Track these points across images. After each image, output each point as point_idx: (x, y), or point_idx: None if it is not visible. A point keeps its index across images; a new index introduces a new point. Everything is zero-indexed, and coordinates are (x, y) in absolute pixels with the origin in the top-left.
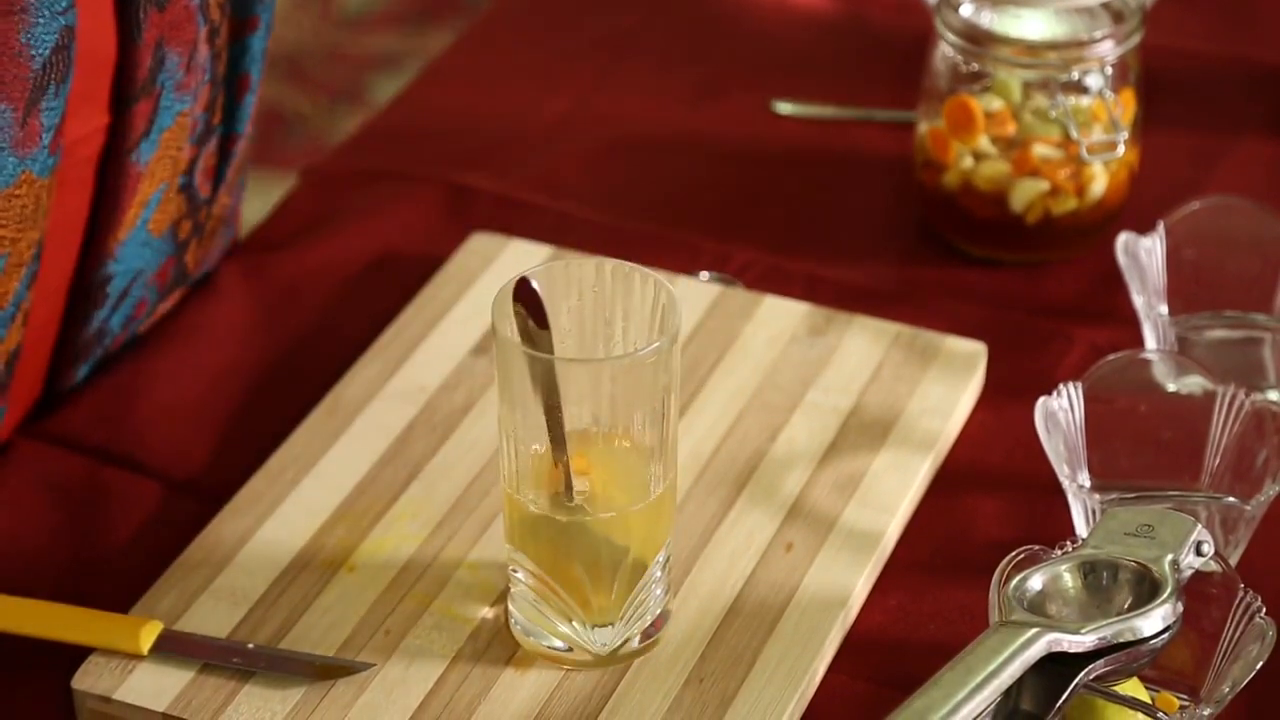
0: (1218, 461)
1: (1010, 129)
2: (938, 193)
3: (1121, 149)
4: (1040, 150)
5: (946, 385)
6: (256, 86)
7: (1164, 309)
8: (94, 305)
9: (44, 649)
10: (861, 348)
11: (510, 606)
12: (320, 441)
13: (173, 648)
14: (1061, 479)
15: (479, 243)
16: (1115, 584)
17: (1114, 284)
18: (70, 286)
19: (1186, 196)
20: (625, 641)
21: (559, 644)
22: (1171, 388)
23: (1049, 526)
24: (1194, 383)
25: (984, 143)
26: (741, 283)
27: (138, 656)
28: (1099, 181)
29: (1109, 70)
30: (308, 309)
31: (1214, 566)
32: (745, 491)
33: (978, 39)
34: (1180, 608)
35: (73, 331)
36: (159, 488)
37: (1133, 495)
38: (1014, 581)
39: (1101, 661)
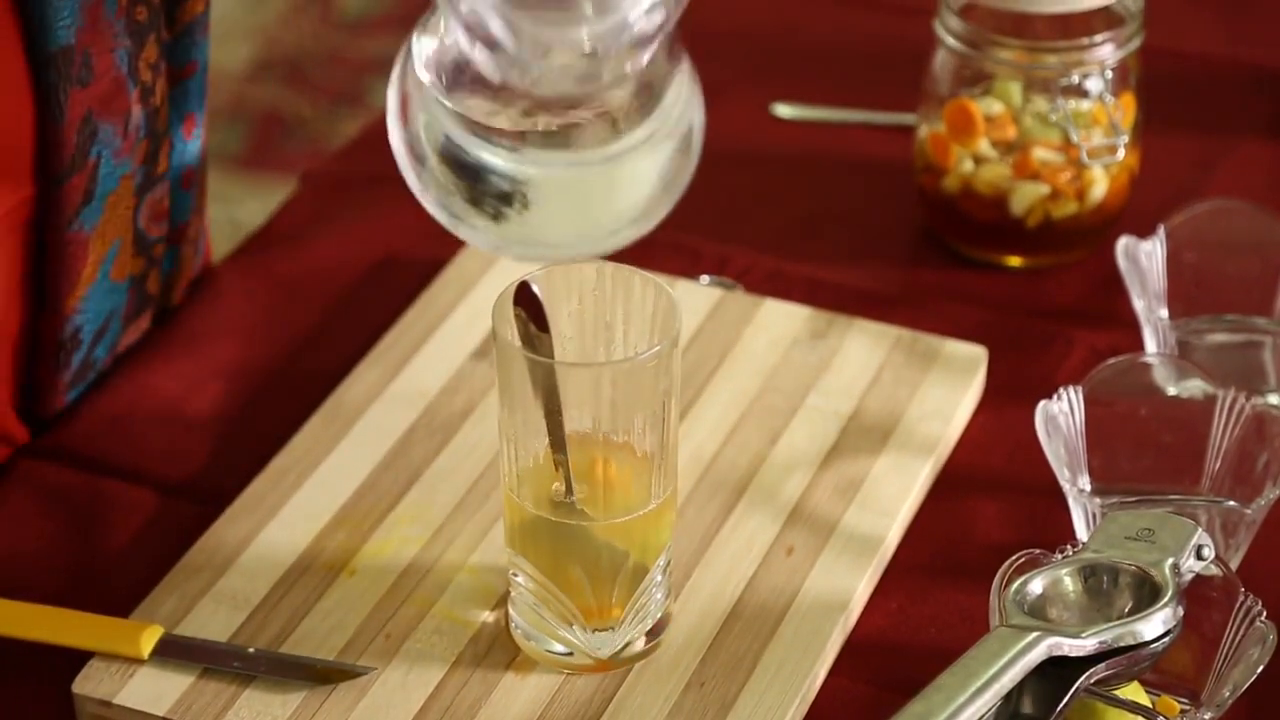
0: (1218, 465)
1: (1010, 132)
2: (938, 196)
3: (1122, 152)
4: (1040, 154)
5: (947, 389)
6: (202, 121)
7: (1164, 312)
8: (69, 351)
9: (44, 653)
10: (862, 351)
11: (511, 610)
12: (321, 445)
13: (173, 652)
14: (1062, 482)
15: None
16: (1116, 588)
17: (1114, 287)
18: (22, 345)
19: (1187, 200)
20: (626, 645)
21: (559, 648)
22: (1172, 391)
23: (1049, 530)
24: (1194, 386)
25: (984, 146)
26: (742, 286)
27: (138, 661)
28: (1099, 185)
29: (1109, 74)
30: (308, 312)
31: (1214, 570)
32: (746, 495)
33: (978, 43)
34: (1181, 611)
35: (54, 378)
36: (159, 493)
37: (1133, 499)
38: (1014, 585)
39: (1102, 665)
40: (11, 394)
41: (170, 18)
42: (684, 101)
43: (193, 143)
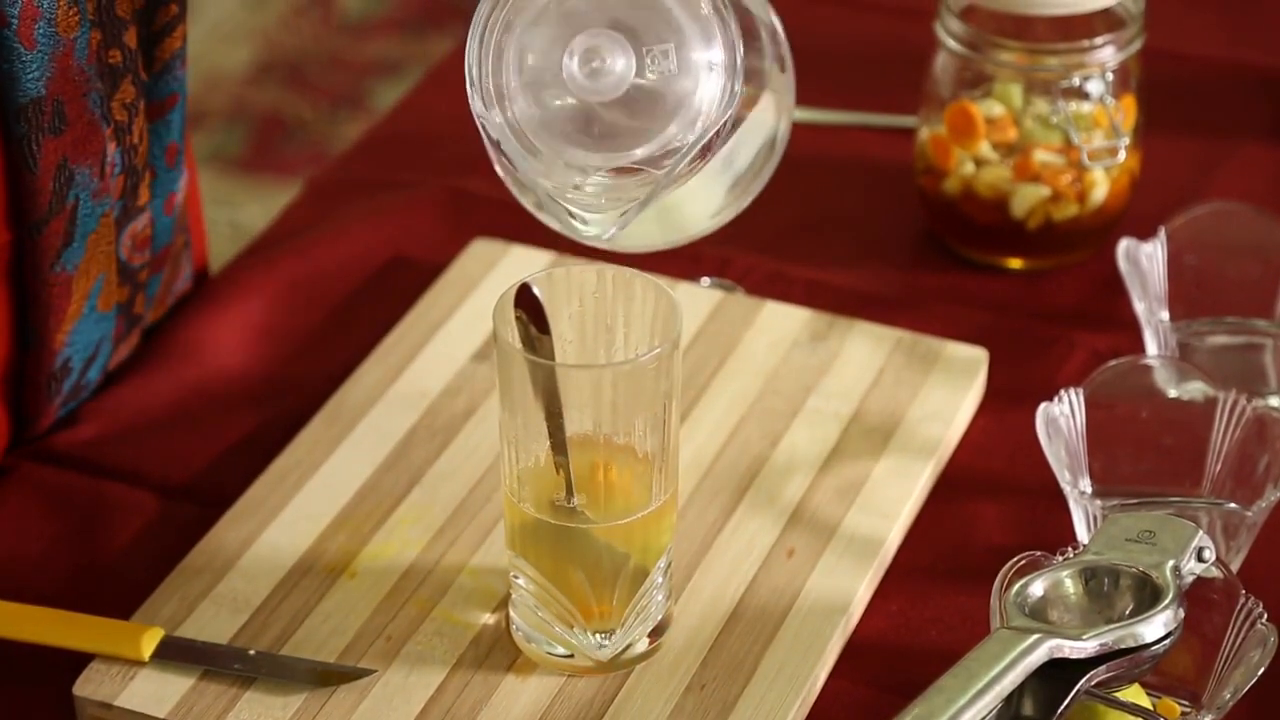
0: (1219, 467)
1: (1011, 135)
2: (939, 198)
3: (1123, 155)
4: (1041, 156)
5: (948, 391)
6: (183, 149)
7: (1165, 314)
8: (60, 380)
9: (45, 656)
10: (863, 353)
11: (511, 612)
12: (322, 447)
13: (174, 654)
14: (1063, 485)
15: (480, 248)
16: (1117, 590)
17: (1115, 290)
18: (12, 379)
19: (1188, 202)
20: (627, 648)
21: (560, 650)
22: (1173, 393)
23: (1050, 532)
24: (1195, 388)
25: (985, 148)
26: (742, 288)
27: (139, 663)
28: (1100, 187)
29: (1110, 76)
30: (310, 315)
31: (1215, 572)
32: (746, 497)
33: (978, 45)
34: (1182, 614)
35: (45, 406)
36: (160, 495)
37: (1134, 501)
38: (1015, 587)
39: (1103, 667)
40: (3, 425)
41: (149, 58)
42: (771, 110)
43: (175, 170)
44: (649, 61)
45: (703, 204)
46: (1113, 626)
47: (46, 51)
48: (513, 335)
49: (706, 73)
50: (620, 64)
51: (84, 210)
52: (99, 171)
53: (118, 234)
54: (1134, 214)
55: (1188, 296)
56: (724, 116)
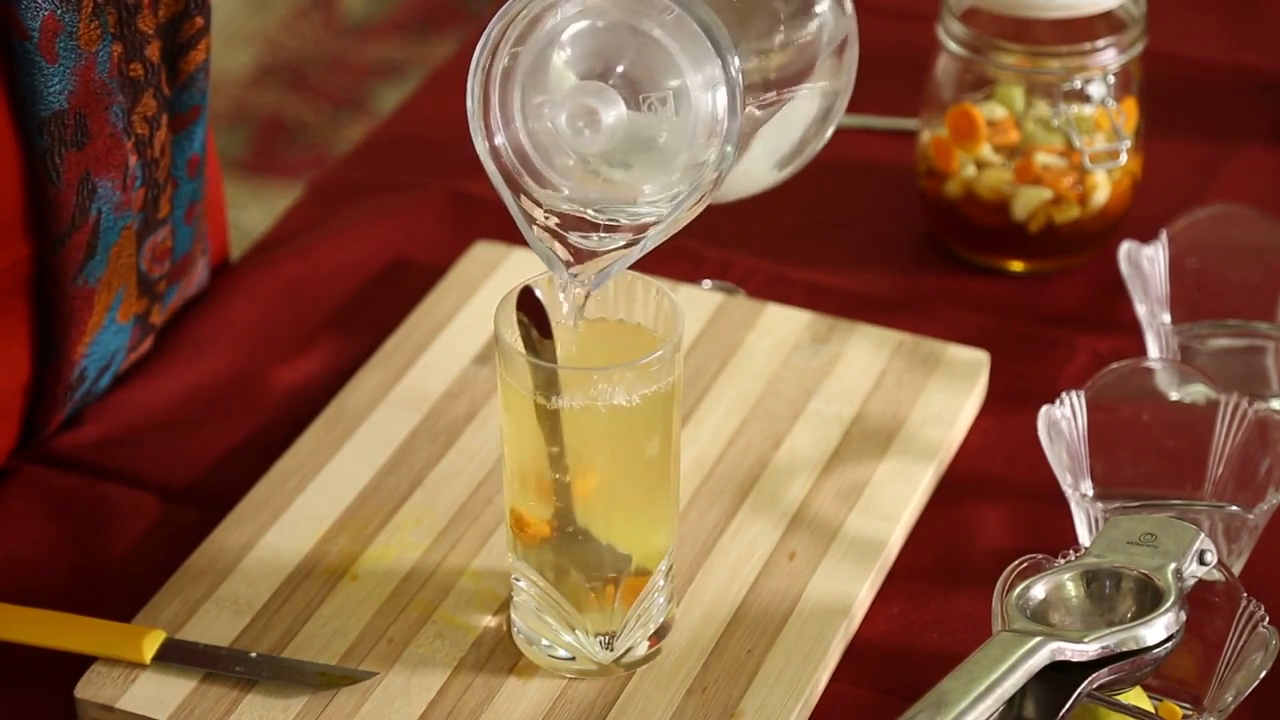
0: (1221, 470)
1: (1013, 137)
2: (940, 201)
3: (1124, 157)
4: (1043, 159)
5: (949, 394)
6: (204, 161)
7: (1166, 317)
8: (74, 389)
9: (46, 658)
10: (864, 356)
11: (513, 615)
12: (323, 450)
13: (175, 657)
14: (1064, 487)
15: (482, 251)
16: (1118, 593)
17: (1117, 292)
18: (29, 391)
19: (1189, 205)
20: (628, 650)
21: (562, 653)
22: (1174, 396)
23: (1052, 535)
24: (1197, 391)
25: (986, 151)
26: (744, 291)
27: (140, 665)
28: (1102, 190)
29: (1111, 79)
30: (312, 317)
31: (1217, 575)
32: (748, 500)
33: (980, 48)
34: (1183, 616)
35: (57, 414)
36: (161, 498)
37: (1135, 504)
38: (1017, 590)
39: (1104, 670)
40: (13, 435)
41: (174, 71)
42: (825, 79)
43: (197, 181)
44: (645, 109)
45: (750, 166)
46: (1114, 629)
47: (68, 65)
48: (514, 338)
49: (707, 118)
50: (611, 117)
51: (106, 223)
52: (121, 184)
53: (138, 246)
54: (1135, 217)
55: (1189, 299)
56: (717, 170)
